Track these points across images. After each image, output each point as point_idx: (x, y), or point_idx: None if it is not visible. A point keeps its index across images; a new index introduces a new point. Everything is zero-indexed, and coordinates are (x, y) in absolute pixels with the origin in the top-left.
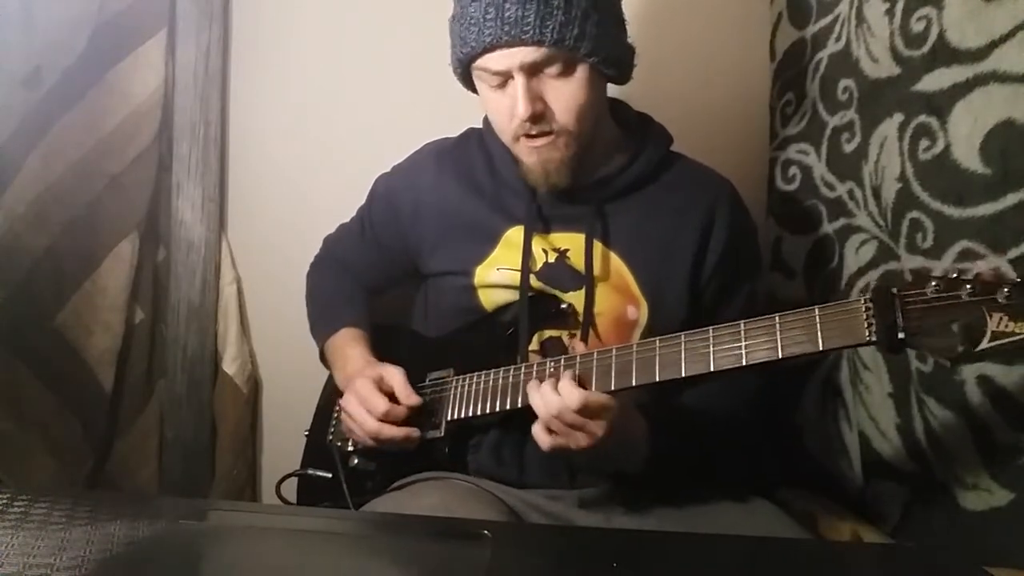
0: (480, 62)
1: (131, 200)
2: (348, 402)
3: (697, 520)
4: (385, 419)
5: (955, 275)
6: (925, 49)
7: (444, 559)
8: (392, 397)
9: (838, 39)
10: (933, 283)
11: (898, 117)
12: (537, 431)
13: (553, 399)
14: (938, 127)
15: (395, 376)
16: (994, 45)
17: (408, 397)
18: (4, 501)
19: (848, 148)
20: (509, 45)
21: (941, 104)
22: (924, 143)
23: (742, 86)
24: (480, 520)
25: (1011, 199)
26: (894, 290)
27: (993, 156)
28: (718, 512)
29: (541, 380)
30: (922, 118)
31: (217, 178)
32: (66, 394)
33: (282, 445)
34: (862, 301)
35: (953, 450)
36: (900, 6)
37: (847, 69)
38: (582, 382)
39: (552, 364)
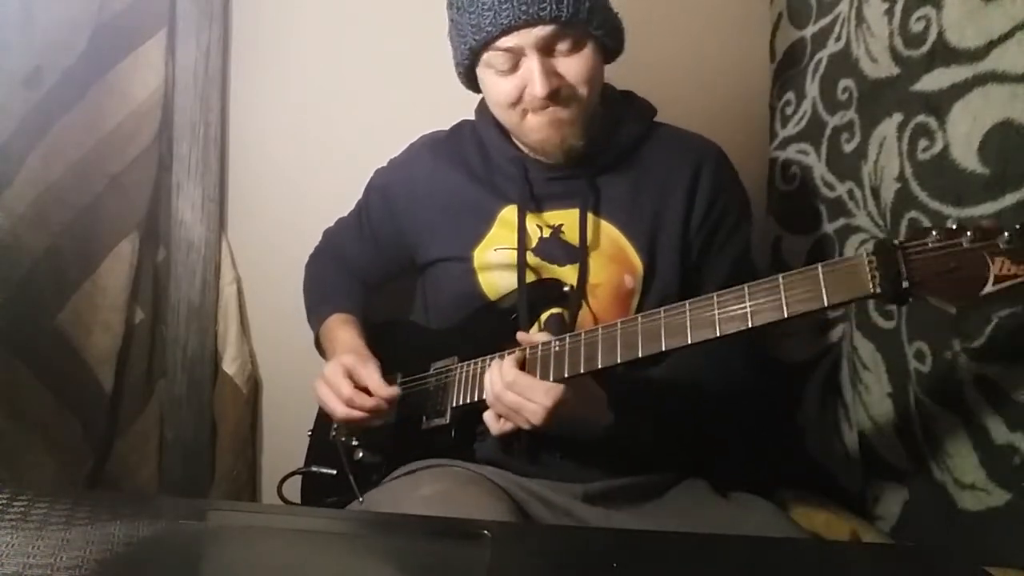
0: (492, 48)
1: (131, 200)
2: (319, 387)
3: (697, 520)
4: (349, 405)
5: (954, 226)
6: (924, 49)
7: (444, 559)
8: (367, 391)
9: (838, 39)
10: (934, 233)
11: (897, 117)
12: (487, 416)
13: (495, 379)
14: (937, 127)
15: (368, 370)
16: (993, 45)
17: (378, 388)
18: (4, 501)
19: (848, 148)
20: (527, 25)
21: (940, 104)
22: (923, 143)
23: (742, 86)
24: (480, 520)
25: (1009, 199)
26: (896, 242)
27: (991, 156)
28: (718, 512)
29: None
30: (921, 118)
31: (217, 178)
32: (66, 394)
33: (282, 445)
34: (864, 255)
35: (951, 450)
36: (899, 6)
37: (847, 69)
38: (523, 366)
39: (557, 343)
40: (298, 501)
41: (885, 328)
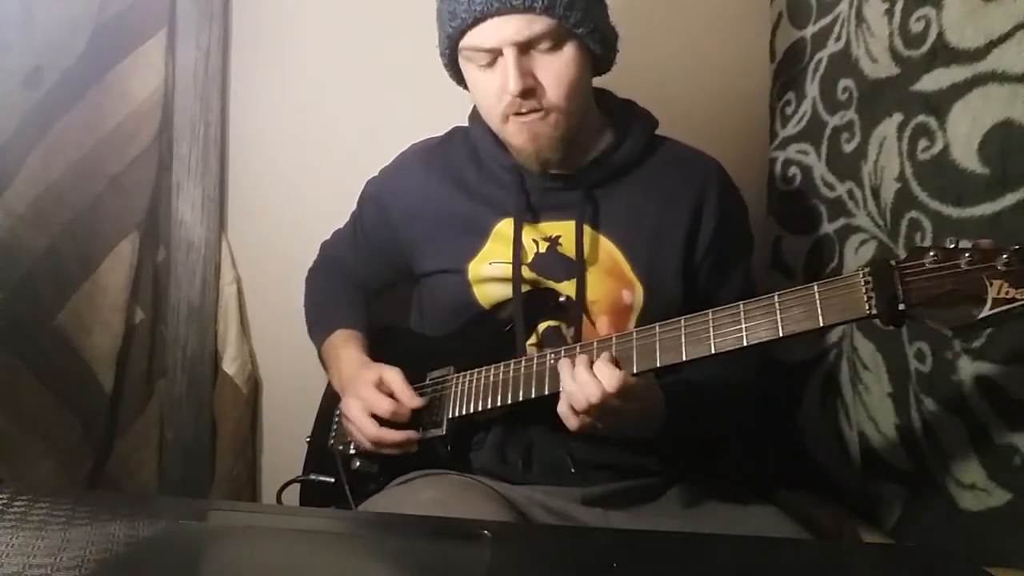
0: (469, 39)
1: (131, 200)
2: (350, 407)
3: (696, 521)
4: (391, 419)
5: (953, 245)
6: (924, 49)
7: (444, 559)
8: (393, 398)
9: (838, 39)
10: (931, 254)
11: (897, 117)
12: (565, 413)
13: (589, 384)
14: (937, 127)
15: (394, 378)
16: (993, 45)
17: (410, 399)
18: (4, 501)
19: (848, 148)
20: (499, 13)
21: (940, 104)
22: (923, 143)
23: (742, 86)
24: (480, 520)
25: (1009, 199)
26: (892, 262)
27: (991, 156)
28: (718, 512)
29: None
30: (921, 118)
31: (217, 178)
32: (66, 394)
33: (282, 446)
34: (860, 275)
35: (952, 450)
36: (899, 6)
37: (847, 69)
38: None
39: (552, 355)
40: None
41: (885, 328)
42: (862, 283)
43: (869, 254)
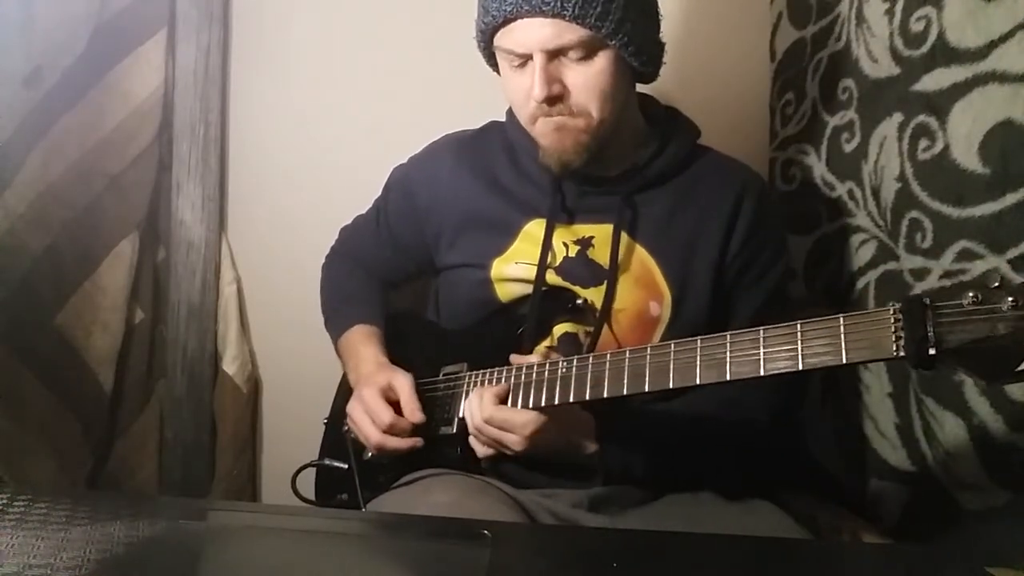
0: (501, 39)
1: (131, 200)
2: (354, 410)
3: (697, 520)
4: (389, 431)
5: (996, 285)
6: (924, 49)
7: (444, 559)
8: (398, 406)
9: (838, 39)
10: (970, 294)
11: (897, 117)
12: (472, 442)
13: (475, 412)
14: (937, 127)
15: (403, 386)
16: (993, 45)
17: (412, 412)
18: (4, 501)
19: (848, 148)
20: (529, 16)
21: (940, 104)
22: (923, 143)
23: (742, 86)
24: (480, 520)
25: (1010, 199)
26: (927, 300)
27: (992, 156)
28: (718, 512)
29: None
30: (921, 118)
31: (217, 178)
32: (66, 394)
33: (282, 445)
34: (891, 311)
35: (952, 450)
36: (900, 6)
37: (847, 69)
38: (503, 398)
39: (564, 364)
40: (310, 493)
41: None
42: (891, 320)
43: (869, 254)
